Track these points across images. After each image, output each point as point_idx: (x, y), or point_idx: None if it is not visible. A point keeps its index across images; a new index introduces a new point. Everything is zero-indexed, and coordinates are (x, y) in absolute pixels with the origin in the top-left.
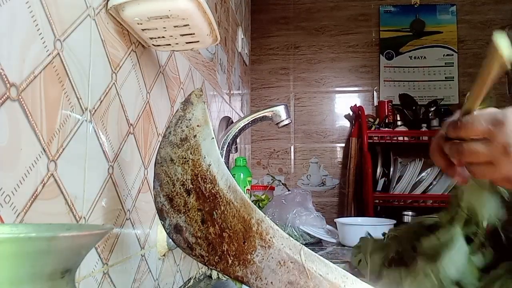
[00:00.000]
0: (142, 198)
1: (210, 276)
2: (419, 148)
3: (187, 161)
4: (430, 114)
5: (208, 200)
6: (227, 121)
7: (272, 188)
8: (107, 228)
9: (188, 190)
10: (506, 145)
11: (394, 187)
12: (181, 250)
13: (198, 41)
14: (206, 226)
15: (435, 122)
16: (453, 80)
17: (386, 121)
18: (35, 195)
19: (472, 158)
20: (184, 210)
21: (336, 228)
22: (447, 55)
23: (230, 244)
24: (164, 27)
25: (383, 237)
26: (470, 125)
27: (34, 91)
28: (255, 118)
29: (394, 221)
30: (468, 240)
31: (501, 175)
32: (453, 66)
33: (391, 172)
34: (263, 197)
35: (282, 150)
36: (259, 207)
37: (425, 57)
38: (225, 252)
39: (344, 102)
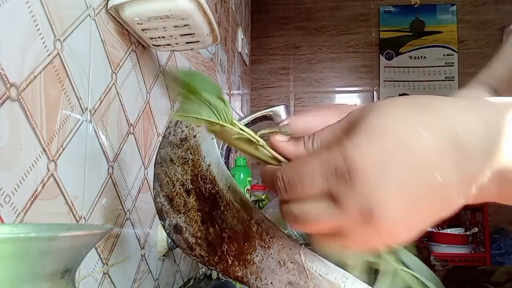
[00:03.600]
0: (142, 198)
1: (210, 276)
2: None
3: (187, 161)
4: None
5: (208, 201)
6: None
7: None
8: (107, 228)
9: (188, 190)
10: (363, 210)
11: None
12: (181, 250)
13: (198, 41)
14: (206, 227)
15: None
16: (453, 80)
17: None
18: (35, 195)
19: (312, 227)
20: (184, 211)
21: None
22: (447, 55)
23: (230, 245)
24: (164, 27)
25: None
26: (299, 184)
27: (34, 91)
28: (255, 118)
29: None
30: None
31: (358, 245)
32: (453, 66)
33: None
34: (263, 197)
35: None
36: (259, 207)
37: (425, 57)
38: (225, 253)
39: (344, 102)
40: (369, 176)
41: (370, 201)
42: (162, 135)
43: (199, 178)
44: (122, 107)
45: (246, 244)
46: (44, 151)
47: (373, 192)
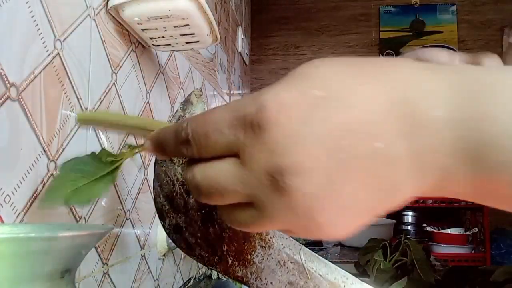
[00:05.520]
0: (142, 198)
1: (210, 276)
2: None
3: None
4: None
5: None
6: None
7: None
8: (107, 228)
9: (188, 190)
10: (270, 168)
11: None
12: (181, 250)
13: (198, 41)
14: (206, 227)
15: None
16: None
17: None
18: (35, 195)
19: (216, 198)
20: (184, 211)
21: None
22: None
23: (230, 245)
24: (164, 27)
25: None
26: (202, 136)
27: (34, 91)
28: None
29: (394, 221)
30: None
31: (275, 225)
32: None
33: None
34: None
35: None
36: None
37: None
38: (225, 253)
39: None
40: (284, 126)
41: (279, 156)
42: None
43: None
44: (122, 107)
45: (246, 244)
46: (44, 151)
47: (285, 145)
